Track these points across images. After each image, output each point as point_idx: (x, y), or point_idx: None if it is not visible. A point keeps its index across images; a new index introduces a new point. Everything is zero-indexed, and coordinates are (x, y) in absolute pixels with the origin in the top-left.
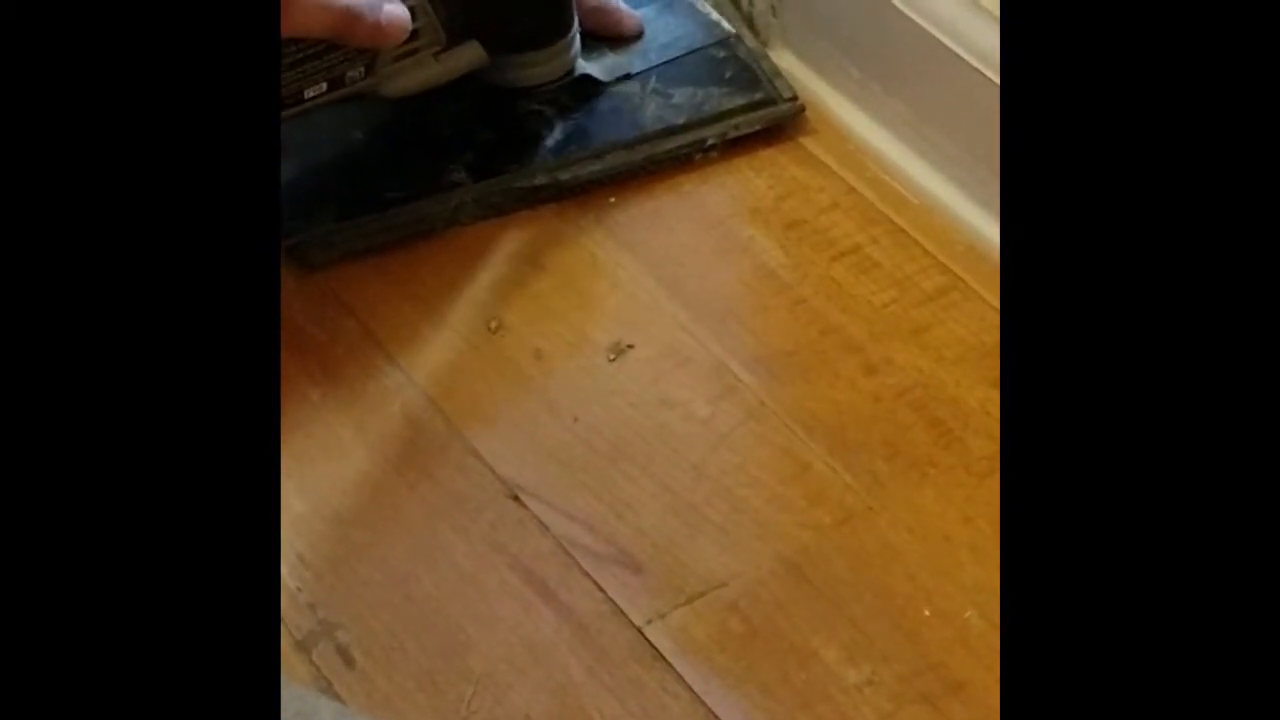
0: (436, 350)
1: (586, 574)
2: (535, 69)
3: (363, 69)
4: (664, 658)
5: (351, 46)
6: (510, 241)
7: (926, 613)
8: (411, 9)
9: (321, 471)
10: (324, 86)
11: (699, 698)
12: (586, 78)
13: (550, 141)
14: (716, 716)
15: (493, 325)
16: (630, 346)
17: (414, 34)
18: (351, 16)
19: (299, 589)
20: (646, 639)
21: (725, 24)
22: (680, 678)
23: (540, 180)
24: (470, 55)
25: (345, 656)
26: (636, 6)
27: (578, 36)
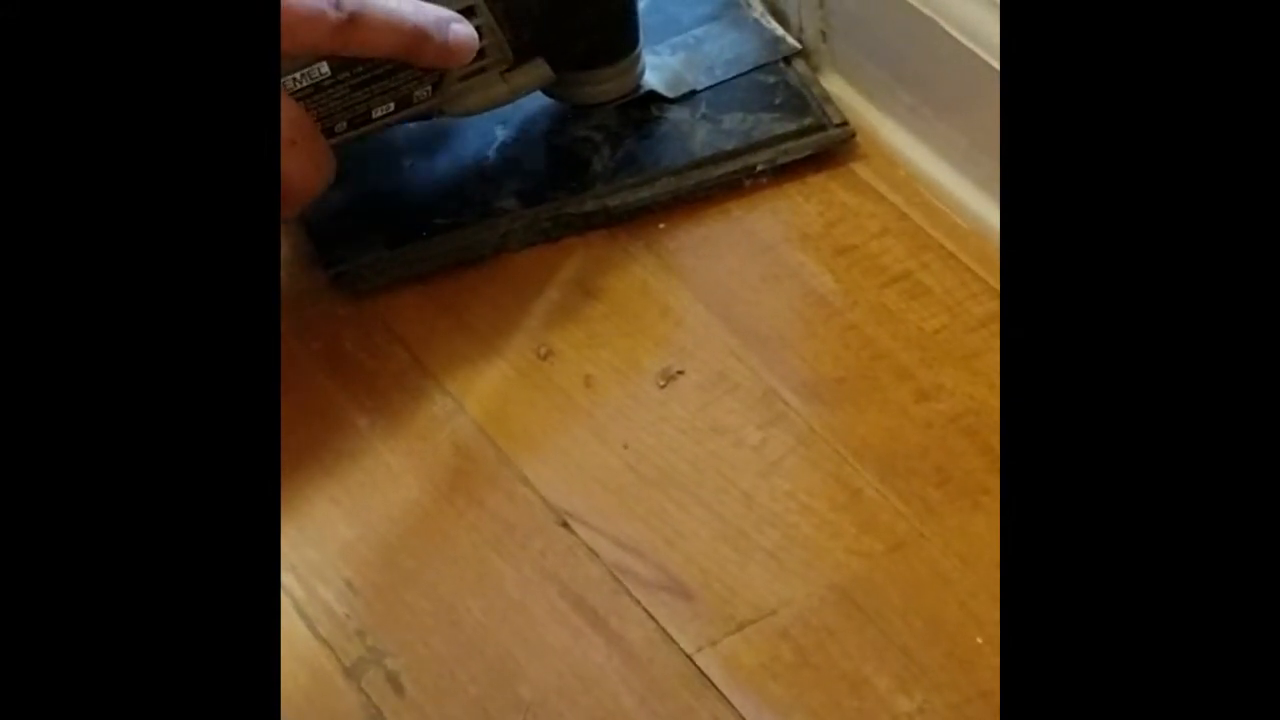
0: (486, 377)
1: (637, 601)
2: (601, 86)
3: (430, 88)
4: (715, 686)
5: (419, 67)
6: (560, 268)
7: (979, 640)
8: (478, 28)
9: (370, 499)
10: (391, 106)
11: None
12: (652, 94)
13: (600, 167)
14: None
15: (542, 352)
16: (680, 373)
17: (481, 53)
18: (420, 37)
19: (348, 616)
20: (697, 666)
21: (790, 39)
22: (731, 706)
23: (590, 206)
24: (537, 74)
25: (394, 684)
26: (702, 23)
27: (643, 53)
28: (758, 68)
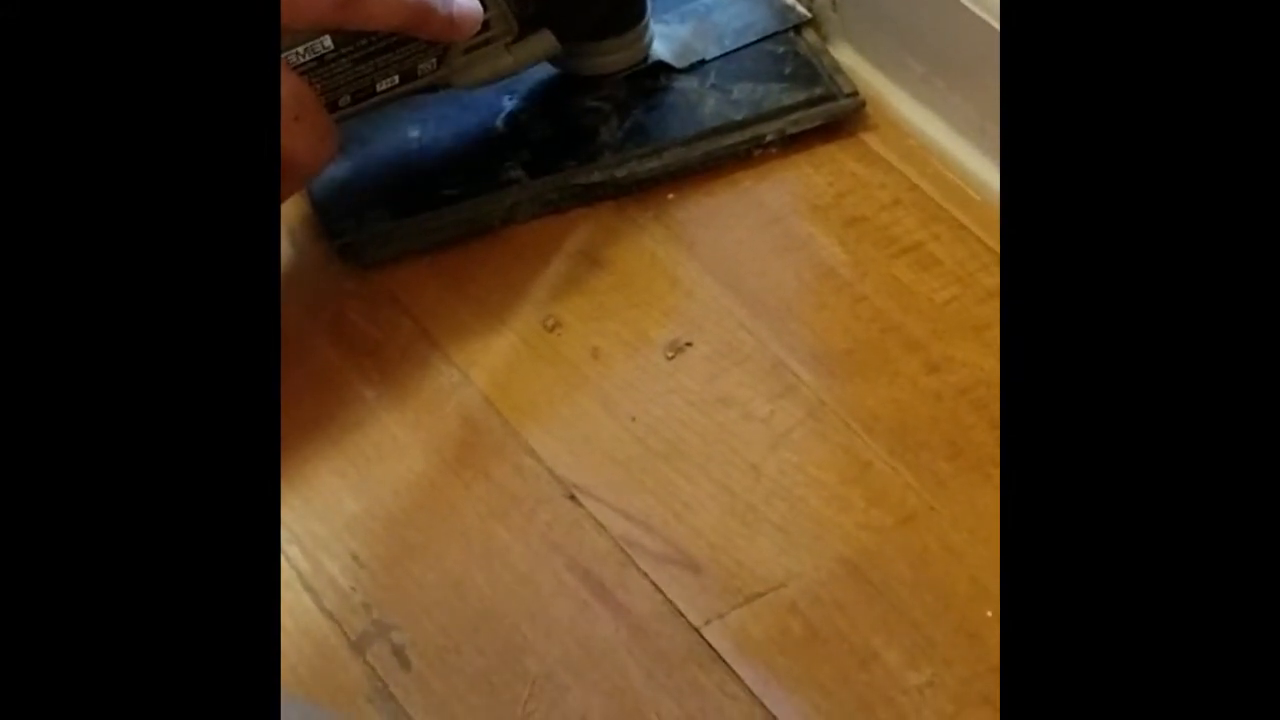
0: (493, 349)
1: (644, 574)
2: (609, 57)
3: (435, 61)
4: (722, 659)
5: (424, 39)
6: (567, 239)
7: (989, 614)
8: (482, 0)
9: (376, 471)
10: (396, 79)
11: (758, 699)
12: (660, 64)
13: (608, 138)
14: (775, 718)
15: (549, 323)
16: (688, 345)
17: (486, 25)
18: (424, 10)
19: (353, 589)
20: (705, 640)
21: (800, 8)
22: (739, 679)
23: (598, 177)
24: (543, 45)
25: (400, 657)
26: None
27: (652, 23)
28: (767, 37)
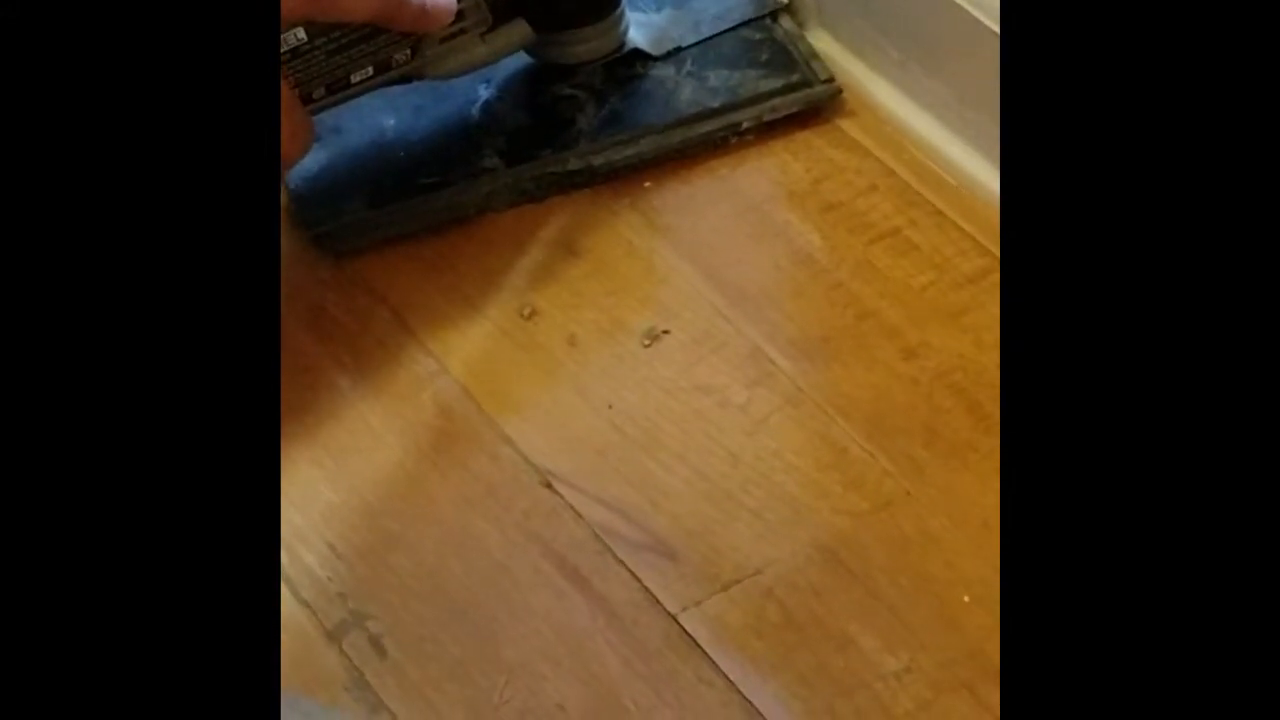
0: (469, 337)
1: (621, 562)
2: (584, 46)
3: (409, 52)
4: (699, 646)
5: (397, 31)
6: (544, 227)
7: (966, 599)
8: None
9: (353, 461)
10: (370, 71)
11: (735, 686)
12: (637, 52)
13: (584, 125)
14: (752, 705)
15: (526, 312)
16: (665, 332)
17: (459, 15)
18: (397, 1)
19: (329, 579)
20: (682, 627)
21: None
22: (716, 666)
23: (574, 165)
24: (517, 34)
25: (377, 646)
26: None
27: (626, 11)
28: (744, 24)
